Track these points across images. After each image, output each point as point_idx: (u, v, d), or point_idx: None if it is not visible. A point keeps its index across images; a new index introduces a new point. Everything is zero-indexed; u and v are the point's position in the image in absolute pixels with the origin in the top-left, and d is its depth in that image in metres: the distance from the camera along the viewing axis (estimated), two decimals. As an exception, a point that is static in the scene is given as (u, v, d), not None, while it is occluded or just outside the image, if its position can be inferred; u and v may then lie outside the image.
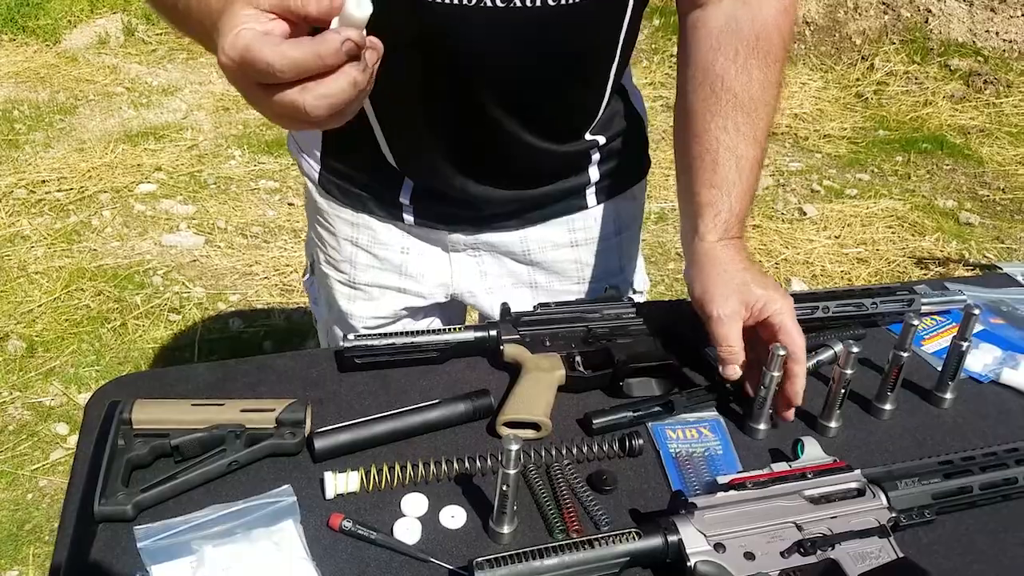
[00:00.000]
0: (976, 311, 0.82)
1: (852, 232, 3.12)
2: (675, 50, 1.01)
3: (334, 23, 0.54)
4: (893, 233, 3.13)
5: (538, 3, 0.79)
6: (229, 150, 3.58)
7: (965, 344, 0.83)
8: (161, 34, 4.62)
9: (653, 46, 4.50)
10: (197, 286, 2.76)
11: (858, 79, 4.37)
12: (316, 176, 1.04)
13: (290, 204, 3.22)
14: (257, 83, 0.55)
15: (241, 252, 2.94)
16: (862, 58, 4.53)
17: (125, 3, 4.76)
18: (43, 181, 3.27)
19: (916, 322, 0.80)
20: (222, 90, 4.10)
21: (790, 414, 0.83)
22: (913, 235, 3.12)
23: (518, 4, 0.79)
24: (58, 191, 3.22)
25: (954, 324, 1.00)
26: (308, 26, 0.56)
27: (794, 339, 0.80)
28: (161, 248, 2.93)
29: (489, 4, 0.78)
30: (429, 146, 0.93)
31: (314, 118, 0.55)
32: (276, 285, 2.79)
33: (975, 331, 0.99)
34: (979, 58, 4.47)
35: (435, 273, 1.08)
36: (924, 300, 0.99)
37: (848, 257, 2.98)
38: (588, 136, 1.00)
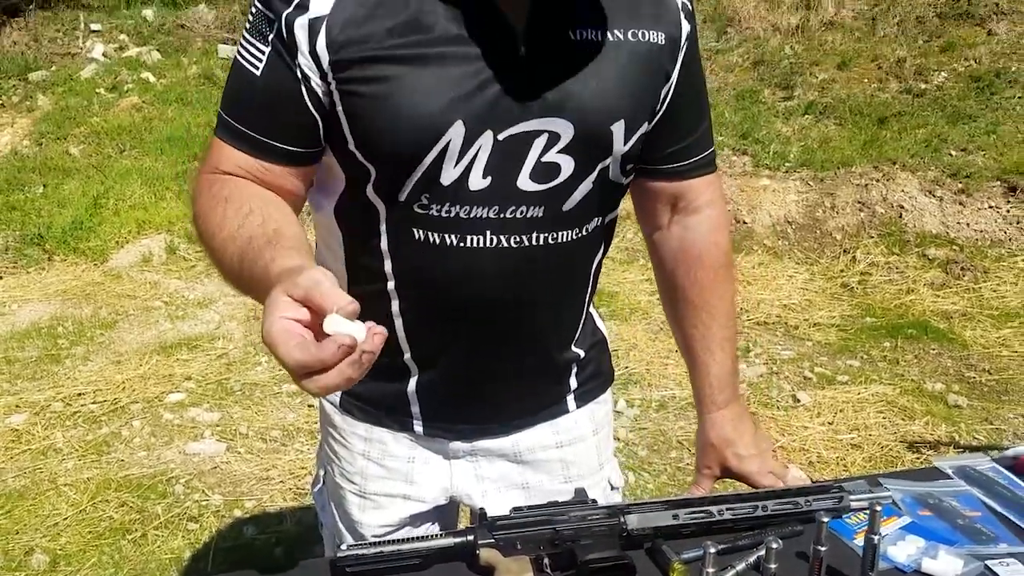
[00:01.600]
0: (878, 507, 0.95)
1: (845, 418, 3.22)
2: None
3: (330, 327, 0.74)
4: (884, 418, 3.22)
5: (535, 242, 1.05)
6: (256, 357, 3.83)
7: (876, 537, 0.95)
8: (201, 252, 5.10)
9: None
10: (216, 493, 2.87)
11: (842, 270, 4.67)
12: (338, 400, 1.23)
13: (310, 406, 3.40)
14: None
15: (260, 457, 3.08)
16: (844, 251, 4.87)
17: (169, 225, 5.28)
18: (79, 394, 3.50)
19: (826, 519, 0.93)
20: (254, 302, 4.45)
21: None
22: (903, 419, 3.21)
23: (514, 244, 1.04)
24: (92, 403, 3.43)
25: (885, 518, 1.12)
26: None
27: (764, 485, 1.19)
28: (185, 456, 3.09)
29: (496, 245, 1.04)
30: (448, 349, 1.14)
31: (319, 394, 0.78)
32: (290, 489, 2.90)
33: (904, 524, 1.11)
34: (954, 247, 4.78)
35: (437, 479, 1.24)
36: (852, 497, 1.11)
37: (842, 443, 3.06)
38: (573, 348, 1.21)
